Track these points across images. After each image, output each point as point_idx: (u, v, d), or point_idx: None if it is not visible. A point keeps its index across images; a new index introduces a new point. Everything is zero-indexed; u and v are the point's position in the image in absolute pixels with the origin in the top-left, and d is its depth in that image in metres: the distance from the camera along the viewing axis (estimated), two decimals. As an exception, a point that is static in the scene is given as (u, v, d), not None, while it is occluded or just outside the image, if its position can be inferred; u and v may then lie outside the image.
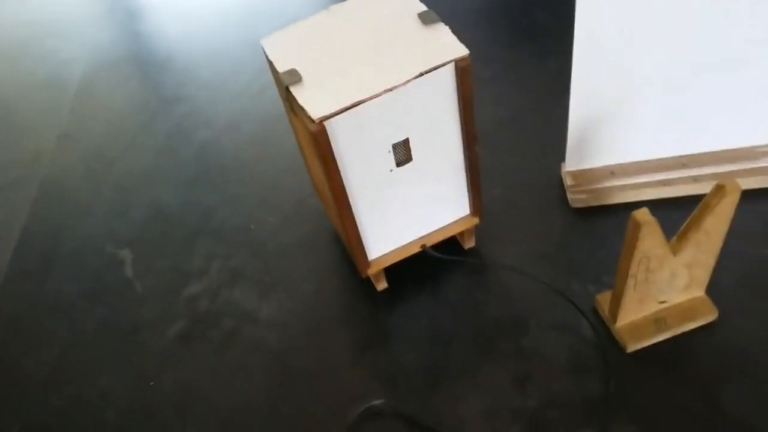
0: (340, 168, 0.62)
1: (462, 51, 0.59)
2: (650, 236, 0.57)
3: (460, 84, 0.61)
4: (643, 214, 0.56)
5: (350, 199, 0.65)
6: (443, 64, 0.59)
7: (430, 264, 0.75)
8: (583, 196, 0.78)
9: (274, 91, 0.70)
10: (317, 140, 0.58)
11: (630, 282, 0.62)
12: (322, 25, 0.65)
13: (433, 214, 0.72)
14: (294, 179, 0.87)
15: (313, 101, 0.58)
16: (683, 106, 0.74)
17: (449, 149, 0.67)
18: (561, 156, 0.79)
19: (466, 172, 0.70)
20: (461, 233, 0.76)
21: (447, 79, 0.61)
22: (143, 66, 1.13)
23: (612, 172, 0.78)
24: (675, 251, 0.61)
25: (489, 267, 0.76)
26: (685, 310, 0.67)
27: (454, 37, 0.61)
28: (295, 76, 0.60)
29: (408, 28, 0.62)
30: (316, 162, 0.63)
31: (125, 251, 0.85)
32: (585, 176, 0.79)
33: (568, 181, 0.79)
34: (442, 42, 0.60)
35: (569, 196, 0.79)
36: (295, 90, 0.59)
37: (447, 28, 0.61)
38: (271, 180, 0.89)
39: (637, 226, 0.56)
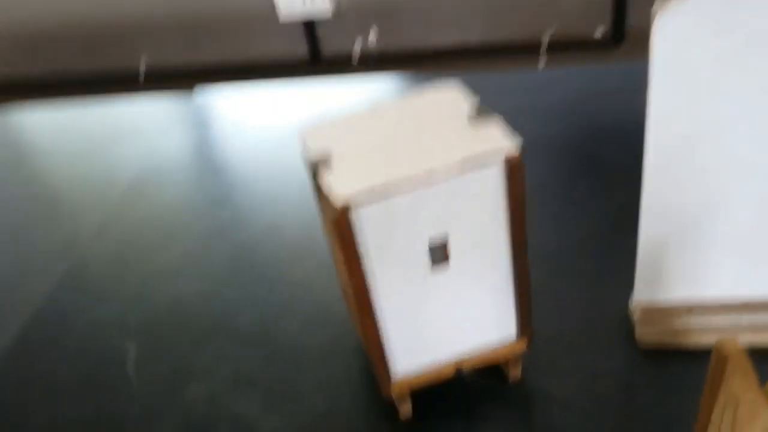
0: (366, 266, 0.54)
1: (512, 148, 0.52)
2: (739, 373, 0.45)
3: (510, 182, 0.54)
4: (729, 345, 0.45)
5: (375, 305, 0.56)
6: (491, 158, 0.52)
7: (467, 394, 0.64)
8: (654, 334, 0.66)
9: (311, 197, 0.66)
10: (340, 226, 0.51)
11: (712, 430, 0.49)
12: (364, 118, 0.60)
13: (474, 333, 0.62)
14: (323, 284, 0.79)
15: (340, 183, 0.51)
16: (775, 239, 0.63)
17: (495, 257, 0.58)
18: (630, 288, 0.69)
19: (513, 287, 0.60)
20: (505, 362, 0.65)
21: (495, 175, 0.53)
22: (193, 173, 1.11)
23: (690, 309, 0.67)
24: (770, 400, 0.49)
25: (534, 404, 0.64)
26: (782, 486, 0.53)
27: (506, 133, 0.54)
28: (324, 157, 0.54)
29: (457, 122, 0.56)
30: (340, 255, 0.56)
31: (131, 343, 0.77)
32: (657, 312, 0.67)
33: (636, 315, 0.68)
34: (493, 136, 0.54)
35: (637, 331, 0.67)
36: (322, 170, 0.53)
37: (500, 122, 0.55)
38: (301, 283, 0.81)
39: (723, 359, 0.45)
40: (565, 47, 1.95)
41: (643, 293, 0.67)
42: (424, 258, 0.56)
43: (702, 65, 0.56)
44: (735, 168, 0.60)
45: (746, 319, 0.65)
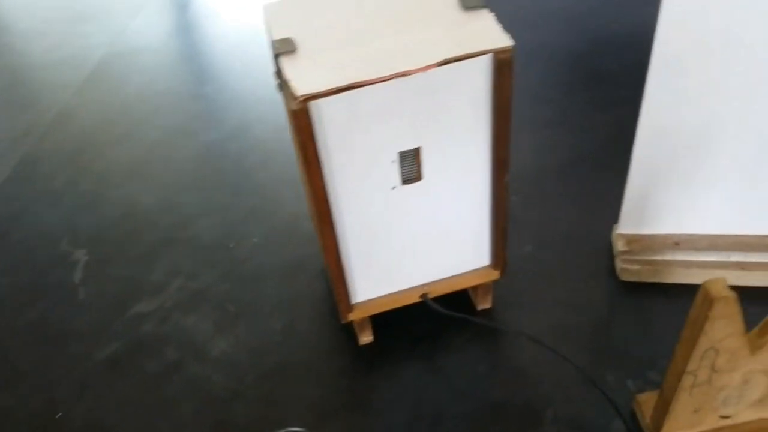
0: (327, 170, 0.48)
1: (504, 41, 0.46)
2: (725, 319, 0.41)
3: (496, 84, 0.47)
4: (718, 286, 0.41)
5: (336, 216, 0.51)
6: (478, 53, 0.45)
7: (430, 320, 0.60)
8: (637, 267, 0.62)
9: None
10: (298, 124, 0.45)
11: (686, 381, 0.45)
12: None
13: (443, 257, 0.57)
14: (292, 195, 0.74)
15: (302, 75, 0.45)
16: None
17: (472, 173, 0.52)
18: (614, 217, 0.64)
19: (490, 208, 0.55)
20: (475, 288, 0.61)
21: (480, 74, 0.47)
22: (166, 58, 1.03)
23: (676, 242, 0.62)
24: (754, 347, 0.45)
25: (503, 335, 0.60)
26: (755, 433, 0.50)
27: (498, 26, 0.47)
28: (288, 46, 0.48)
29: (444, 11, 0.49)
30: (299, 155, 0.50)
31: (80, 252, 0.72)
32: (642, 243, 0.63)
33: (619, 246, 0.63)
34: (482, 29, 0.47)
35: (618, 264, 0.63)
36: (285, 61, 0.47)
37: (492, 15, 0.48)
38: (268, 193, 0.76)
39: (708, 301, 0.41)
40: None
41: (629, 224, 0.63)
42: (393, 169, 0.50)
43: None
44: (740, 89, 0.54)
45: (734, 257, 0.61)
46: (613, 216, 0.65)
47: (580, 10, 1.01)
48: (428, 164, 0.51)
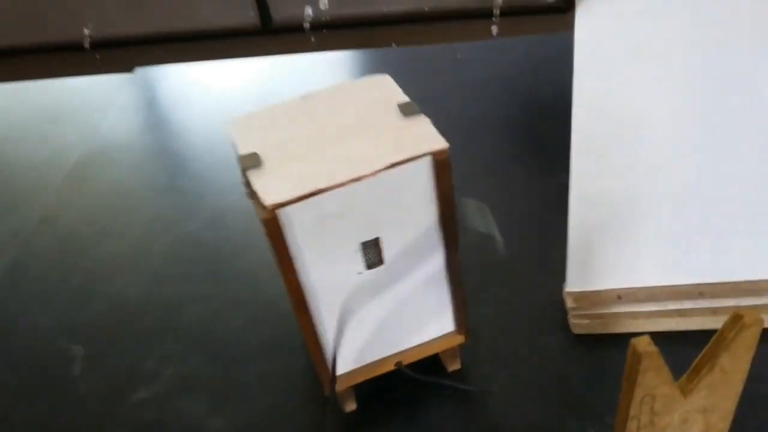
0: (299, 266, 0.55)
1: (441, 143, 0.53)
2: (653, 371, 0.48)
3: (438, 180, 0.54)
4: (643, 343, 0.47)
5: (311, 304, 0.57)
6: (418, 156, 0.52)
7: (407, 385, 0.66)
8: (586, 321, 0.69)
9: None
10: (269, 230, 0.51)
11: (632, 425, 0.52)
12: (294, 110, 0.60)
13: (411, 328, 0.63)
14: (268, 278, 0.80)
15: (269, 187, 0.52)
16: (697, 228, 0.66)
17: (427, 254, 0.59)
18: (563, 276, 0.71)
19: (448, 282, 0.62)
20: (444, 352, 0.67)
21: (423, 174, 0.54)
22: (138, 154, 1.10)
23: (619, 296, 0.69)
24: (685, 393, 0.51)
25: (473, 394, 0.66)
26: (701, 466, 0.56)
27: (434, 130, 0.54)
28: (254, 160, 0.54)
29: (386, 119, 0.56)
30: (274, 255, 0.56)
31: (77, 347, 0.77)
32: (589, 299, 0.70)
33: (569, 303, 0.70)
34: (421, 133, 0.54)
35: (570, 320, 0.70)
36: (252, 174, 0.53)
37: (428, 120, 0.55)
38: (246, 279, 0.82)
39: (637, 358, 0.47)
40: (517, 13, 1.95)
41: (575, 282, 0.70)
42: (358, 258, 0.57)
43: (624, 55, 0.57)
44: (658, 159, 0.62)
45: (671, 305, 0.68)
46: (562, 275, 0.71)
47: (511, 75, 1.11)
48: (388, 250, 0.57)
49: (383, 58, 1.26)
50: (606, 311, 0.69)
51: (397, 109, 0.57)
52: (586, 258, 0.68)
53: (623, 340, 0.68)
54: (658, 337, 0.67)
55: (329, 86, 0.61)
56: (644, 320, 0.68)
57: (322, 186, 0.51)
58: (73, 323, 0.80)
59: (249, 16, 1.85)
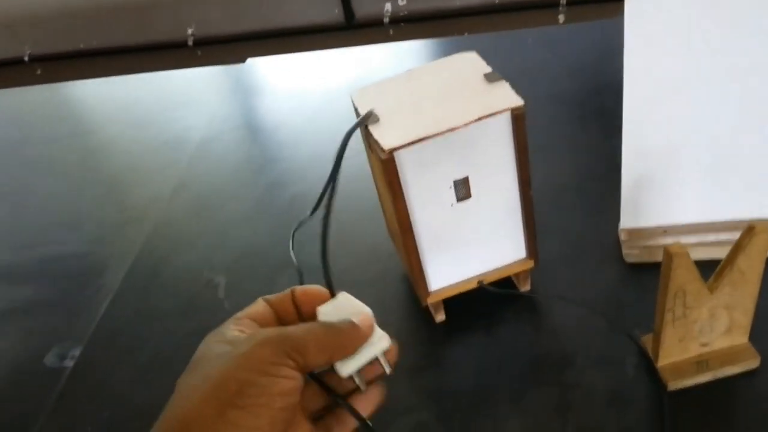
0: (407, 198, 0.71)
1: (518, 101, 0.69)
2: (682, 268, 0.62)
3: (515, 130, 0.70)
4: (674, 246, 0.62)
5: (414, 228, 0.74)
6: (500, 111, 0.68)
7: (487, 301, 0.81)
8: (636, 251, 0.83)
9: (361, 157, 0.82)
10: (387, 168, 0.68)
11: (668, 317, 0.66)
12: (401, 82, 0.76)
13: (491, 253, 0.79)
14: (371, 226, 0.96)
15: (386, 136, 0.68)
16: (733, 172, 0.79)
17: (506, 190, 0.75)
18: (617, 217, 0.85)
19: (521, 214, 0.77)
20: (517, 275, 0.83)
21: (503, 126, 0.70)
22: (251, 135, 1.29)
23: (664, 231, 0.83)
24: (712, 289, 0.65)
25: (540, 306, 0.81)
26: (727, 355, 0.70)
27: (513, 91, 0.70)
28: (374, 117, 0.71)
29: (474, 85, 0.72)
30: (387, 193, 0.73)
31: (219, 277, 0.96)
32: (639, 234, 0.84)
33: (622, 237, 0.84)
34: (502, 95, 0.70)
35: (623, 251, 0.84)
36: (372, 128, 0.70)
37: (508, 84, 0.71)
38: (350, 226, 0.99)
39: (669, 257, 0.62)
40: (581, 2, 2.07)
41: (628, 220, 0.84)
42: (450, 192, 0.73)
43: (672, 19, 0.71)
44: (699, 114, 0.76)
45: (710, 237, 0.81)
46: (616, 216, 0.85)
47: (576, 58, 1.25)
48: (475, 187, 0.73)
49: (456, 47, 1.42)
50: (653, 243, 0.83)
51: (483, 78, 0.73)
52: (636, 200, 0.82)
53: (668, 267, 0.82)
54: (697, 264, 0.82)
55: (428, 63, 0.78)
56: (686, 251, 0.82)
57: (425, 134, 0.67)
58: (214, 261, 0.99)
59: (334, 14, 2.05)
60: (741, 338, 0.70)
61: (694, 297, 0.65)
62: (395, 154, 0.68)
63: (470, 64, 0.76)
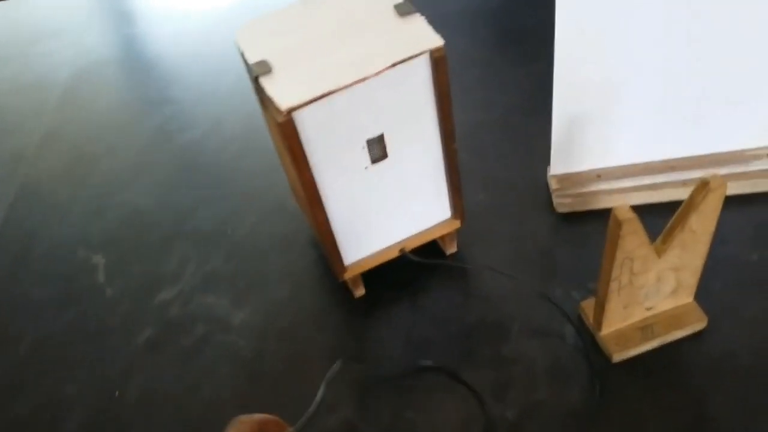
0: (312, 164, 0.60)
1: (437, 41, 0.57)
2: (632, 234, 0.55)
3: (435, 76, 0.59)
4: (623, 211, 0.54)
5: (323, 199, 0.63)
6: (417, 55, 0.57)
7: (410, 269, 0.72)
8: (568, 200, 0.76)
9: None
10: (285, 132, 0.56)
11: (613, 286, 0.59)
12: (296, 16, 0.63)
13: (413, 217, 0.70)
14: (273, 179, 0.85)
15: (282, 92, 0.56)
16: (669, 108, 0.72)
17: (426, 146, 0.64)
18: (547, 160, 0.77)
19: (445, 171, 0.67)
20: (442, 237, 0.74)
21: (421, 71, 0.59)
22: (129, 68, 1.12)
23: (598, 175, 0.76)
24: (660, 253, 0.58)
25: (469, 272, 0.73)
26: (673, 317, 0.64)
27: (430, 28, 0.58)
28: (264, 67, 0.58)
29: (383, 19, 0.60)
30: (287, 157, 0.61)
31: (98, 256, 0.82)
32: (570, 180, 0.76)
33: (552, 185, 0.76)
34: (417, 33, 0.58)
35: (554, 200, 0.76)
36: (264, 81, 0.57)
37: (423, 18, 0.59)
38: (251, 181, 0.87)
39: (618, 224, 0.54)
40: None
41: (558, 166, 0.76)
42: (364, 154, 0.62)
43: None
44: (637, 47, 0.67)
45: (646, 180, 0.75)
46: (546, 158, 0.77)
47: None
48: (391, 145, 0.62)
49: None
50: (586, 190, 0.75)
51: (393, 10, 0.61)
52: (568, 142, 0.74)
53: (602, 215, 0.75)
54: (634, 209, 0.75)
55: None
56: (620, 195, 0.75)
57: (331, 88, 0.55)
58: (90, 234, 0.85)
59: None
60: (686, 298, 0.65)
61: (642, 262, 0.58)
62: (294, 114, 0.56)
63: None
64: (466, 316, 0.69)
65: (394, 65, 0.56)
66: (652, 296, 0.63)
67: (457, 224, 0.72)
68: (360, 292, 0.73)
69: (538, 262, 0.73)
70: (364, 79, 0.56)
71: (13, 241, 0.87)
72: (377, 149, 0.62)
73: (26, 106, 1.07)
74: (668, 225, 0.58)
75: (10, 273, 0.83)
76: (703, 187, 0.55)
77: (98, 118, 1.02)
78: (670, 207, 0.74)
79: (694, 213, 0.56)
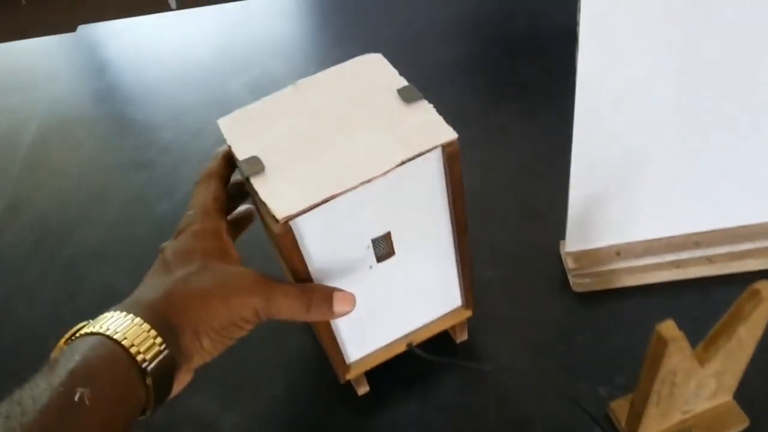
0: (311, 269, 0.53)
1: (450, 134, 0.51)
2: (678, 353, 0.49)
3: (448, 171, 0.53)
4: (669, 329, 0.48)
5: (325, 304, 0.56)
6: (428, 150, 0.50)
7: (418, 363, 0.66)
8: (587, 280, 0.70)
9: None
10: (282, 244, 0.49)
11: (653, 398, 0.53)
12: (287, 103, 0.56)
13: (421, 309, 0.63)
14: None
15: (278, 197, 0.49)
16: (691, 180, 0.66)
17: (437, 240, 0.58)
18: (559, 229, 0.71)
19: (456, 263, 0.61)
20: (453, 327, 0.67)
21: (433, 167, 0.52)
22: (100, 126, 1.04)
23: (617, 252, 0.70)
24: (702, 361, 0.53)
25: (484, 362, 0.67)
26: (713, 419, 0.59)
27: (440, 118, 0.52)
28: (256, 166, 0.51)
29: (387, 107, 0.54)
30: (285, 265, 0.54)
31: (72, 349, 0.74)
32: (588, 257, 0.70)
33: (569, 264, 0.71)
34: (427, 124, 0.52)
35: (571, 279, 0.70)
36: (256, 182, 0.50)
37: (431, 107, 0.53)
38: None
39: (663, 343, 0.48)
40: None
41: (575, 243, 0.70)
42: (369, 253, 0.55)
43: (627, 25, 0.55)
44: (656, 125, 0.62)
45: (669, 257, 0.69)
46: (556, 228, 0.71)
47: (482, 15, 1.07)
48: (398, 241, 0.56)
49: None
50: (605, 268, 0.70)
51: (397, 94, 0.54)
52: (585, 218, 0.68)
53: (623, 294, 0.70)
54: (655, 287, 0.70)
55: (320, 73, 0.58)
56: (642, 274, 0.69)
57: (333, 192, 0.49)
58: (61, 320, 0.77)
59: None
60: (725, 397, 0.59)
61: (684, 375, 0.52)
62: (293, 222, 0.49)
63: (376, 72, 0.57)
64: (485, 417, 0.63)
65: (402, 163, 0.50)
66: (691, 401, 0.57)
67: (468, 314, 0.65)
68: (364, 389, 0.66)
69: (557, 352, 0.67)
70: (369, 180, 0.49)
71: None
72: (383, 247, 0.56)
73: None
74: (711, 333, 0.52)
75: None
76: (753, 295, 0.49)
77: (64, 186, 0.94)
78: (695, 284, 0.69)
79: (743, 324, 0.50)
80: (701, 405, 0.58)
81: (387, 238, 0.55)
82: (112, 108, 1.07)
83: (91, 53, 1.19)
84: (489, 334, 0.69)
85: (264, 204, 0.49)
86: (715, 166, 0.66)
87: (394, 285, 0.59)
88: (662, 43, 0.56)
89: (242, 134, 0.54)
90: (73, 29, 1.22)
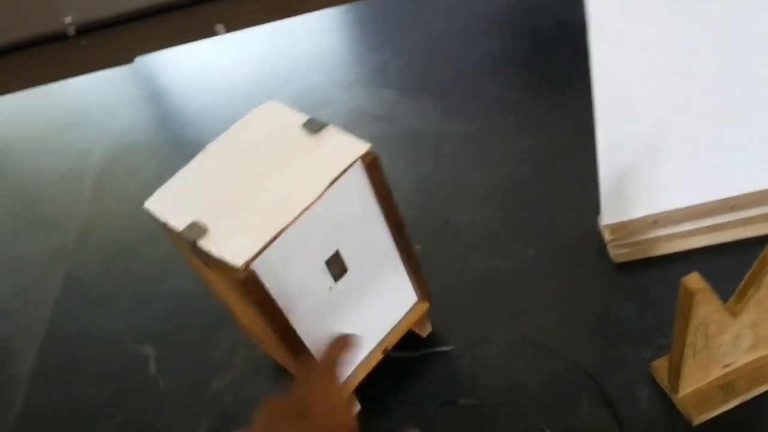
0: (281, 308, 0.55)
1: (363, 146, 0.55)
2: (704, 303, 0.51)
3: (372, 178, 0.56)
4: (693, 281, 0.50)
5: (296, 331, 0.57)
6: (350, 165, 0.54)
7: (403, 367, 0.69)
8: (626, 249, 0.72)
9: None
10: (248, 289, 0.51)
11: (688, 351, 0.56)
12: (205, 168, 0.59)
13: (385, 315, 0.66)
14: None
15: (229, 249, 0.51)
16: (723, 143, 0.68)
17: (380, 245, 0.62)
18: (596, 208, 0.74)
19: (403, 261, 0.64)
20: (416, 324, 0.69)
21: (358, 179, 0.56)
22: (157, 150, 1.11)
23: (655, 221, 0.72)
24: (735, 313, 0.55)
25: (527, 342, 0.70)
26: (755, 371, 0.60)
27: (349, 136, 0.56)
28: (199, 230, 0.53)
29: (297, 142, 0.57)
30: (253, 313, 0.55)
31: (148, 347, 0.81)
32: (625, 228, 0.73)
33: (607, 236, 0.73)
34: (339, 143, 0.56)
35: (610, 251, 0.73)
36: (204, 244, 0.52)
37: (337, 128, 0.56)
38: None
39: (689, 294, 0.50)
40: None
41: (610, 215, 0.72)
42: (326, 275, 0.58)
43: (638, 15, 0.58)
44: (681, 92, 0.64)
45: (706, 222, 0.71)
46: (593, 207, 0.73)
47: (508, 12, 1.10)
48: (349, 258, 0.59)
49: (382, 10, 1.24)
50: (643, 237, 0.72)
51: (302, 129, 0.58)
52: (618, 190, 0.70)
53: (663, 262, 0.72)
54: (694, 253, 0.71)
55: (224, 133, 0.61)
56: (681, 240, 0.71)
57: (279, 228, 0.51)
58: (138, 325, 0.84)
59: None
60: (765, 350, 0.61)
61: (717, 326, 0.54)
62: (252, 266, 0.51)
63: (276, 117, 0.60)
64: (526, 389, 0.66)
65: (332, 183, 0.53)
66: (729, 354, 0.59)
67: (426, 305, 0.69)
68: (357, 408, 0.67)
69: (600, 320, 0.69)
70: (307, 208, 0.52)
71: (61, 344, 0.86)
72: (337, 266, 0.58)
73: (61, 199, 1.07)
74: (741, 284, 0.54)
75: (60, 376, 0.82)
76: (776, 244, 0.51)
77: (130, 206, 1.01)
78: (734, 247, 0.71)
79: (769, 272, 0.52)
80: (742, 358, 0.60)
81: (337, 256, 0.58)
82: (169, 132, 1.14)
83: (148, 83, 1.27)
84: (539, 306, 0.72)
85: (219, 260, 0.51)
86: (741, 131, 0.67)
87: (356, 298, 0.62)
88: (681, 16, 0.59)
89: (173, 208, 0.57)
90: (130, 60, 1.30)
